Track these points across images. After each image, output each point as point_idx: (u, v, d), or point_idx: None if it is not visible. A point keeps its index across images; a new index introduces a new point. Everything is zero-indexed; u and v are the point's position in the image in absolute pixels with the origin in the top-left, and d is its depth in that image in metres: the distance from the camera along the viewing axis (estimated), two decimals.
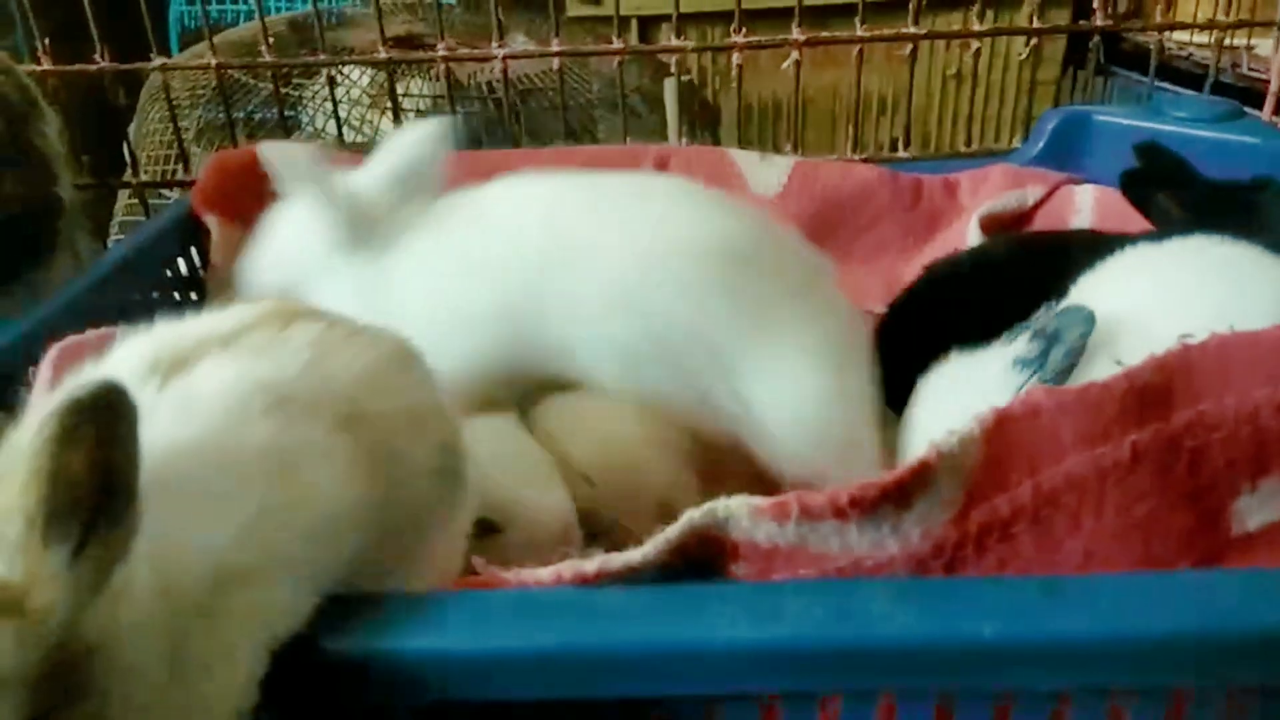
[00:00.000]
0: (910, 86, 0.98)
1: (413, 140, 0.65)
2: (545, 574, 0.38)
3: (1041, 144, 0.95)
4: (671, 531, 0.38)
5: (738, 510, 0.37)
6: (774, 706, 0.38)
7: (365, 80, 1.23)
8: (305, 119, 1.20)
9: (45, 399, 0.50)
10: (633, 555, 0.38)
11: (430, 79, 1.23)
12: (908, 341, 0.72)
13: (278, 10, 1.57)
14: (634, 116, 1.32)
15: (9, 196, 0.73)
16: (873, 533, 0.38)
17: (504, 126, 1.22)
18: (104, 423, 0.29)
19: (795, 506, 0.37)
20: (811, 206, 0.89)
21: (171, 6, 1.69)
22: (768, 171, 0.90)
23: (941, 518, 0.38)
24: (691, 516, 0.38)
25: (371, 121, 1.21)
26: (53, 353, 0.53)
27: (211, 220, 0.81)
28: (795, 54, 0.93)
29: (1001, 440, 0.39)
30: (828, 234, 0.90)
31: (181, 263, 0.81)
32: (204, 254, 0.82)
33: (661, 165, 0.90)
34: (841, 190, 0.89)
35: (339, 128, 1.01)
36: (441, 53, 0.95)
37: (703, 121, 1.44)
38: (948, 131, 1.81)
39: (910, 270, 0.89)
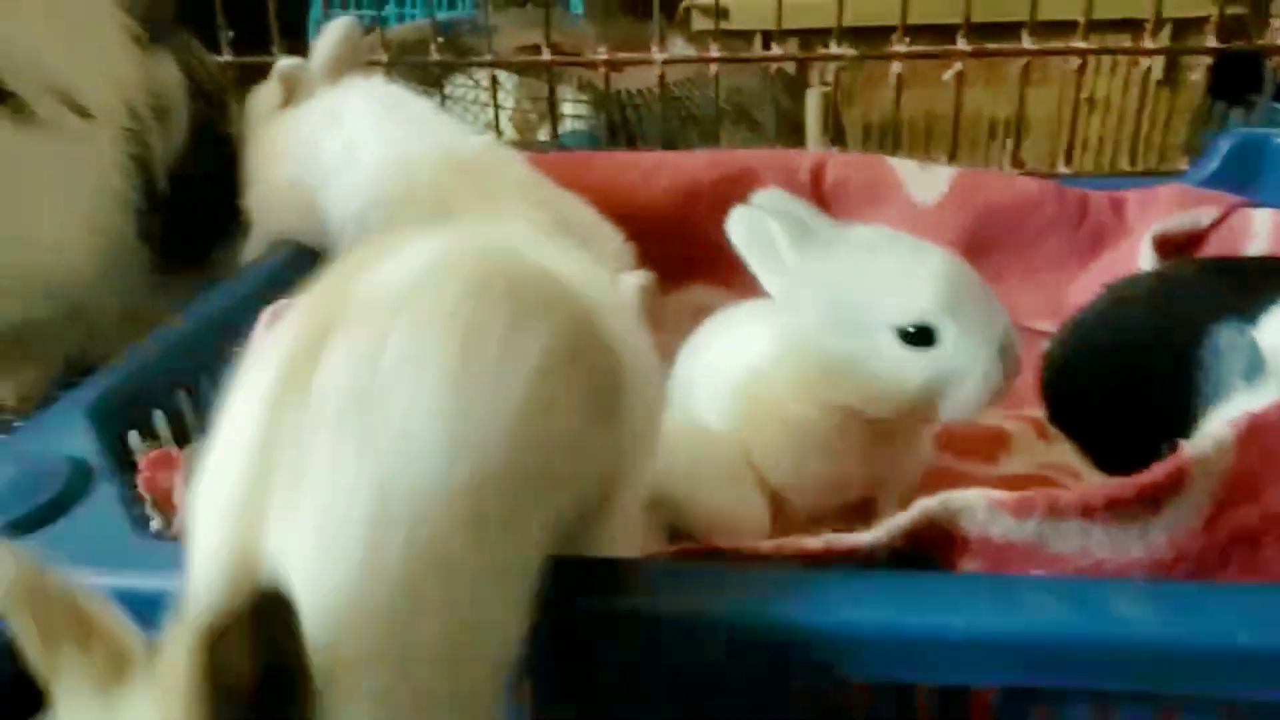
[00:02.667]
0: (1076, 99, 0.96)
1: (330, 36, 0.84)
2: (766, 547, 0.38)
3: (1215, 165, 0.92)
4: (904, 518, 0.37)
5: (974, 502, 0.37)
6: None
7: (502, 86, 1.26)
8: None
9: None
10: (861, 537, 0.37)
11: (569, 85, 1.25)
12: (1090, 361, 0.70)
13: (399, 20, 1.62)
14: (757, 129, 1.32)
15: (211, 174, 0.77)
16: (1119, 536, 0.37)
17: (626, 135, 1.24)
18: (266, 631, 0.25)
19: (1042, 503, 0.36)
20: (972, 217, 0.87)
21: (312, 12, 1.76)
22: (928, 180, 0.88)
23: (1189, 525, 0.37)
24: (926, 505, 0.37)
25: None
26: (267, 316, 0.56)
27: None
28: (958, 65, 0.92)
29: (1255, 446, 0.37)
30: (988, 247, 0.88)
31: None
32: None
33: (818, 171, 0.90)
34: (1004, 202, 0.87)
35: (496, 126, 1.03)
36: (602, 57, 0.97)
37: (830, 137, 1.44)
38: (1077, 156, 1.77)
39: (1075, 290, 0.86)
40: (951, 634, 0.35)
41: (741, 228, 0.57)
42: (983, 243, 0.88)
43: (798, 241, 0.56)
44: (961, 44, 0.91)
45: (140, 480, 0.47)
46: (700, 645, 0.37)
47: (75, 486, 0.47)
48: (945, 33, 0.99)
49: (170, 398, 0.59)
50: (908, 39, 0.92)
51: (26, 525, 0.44)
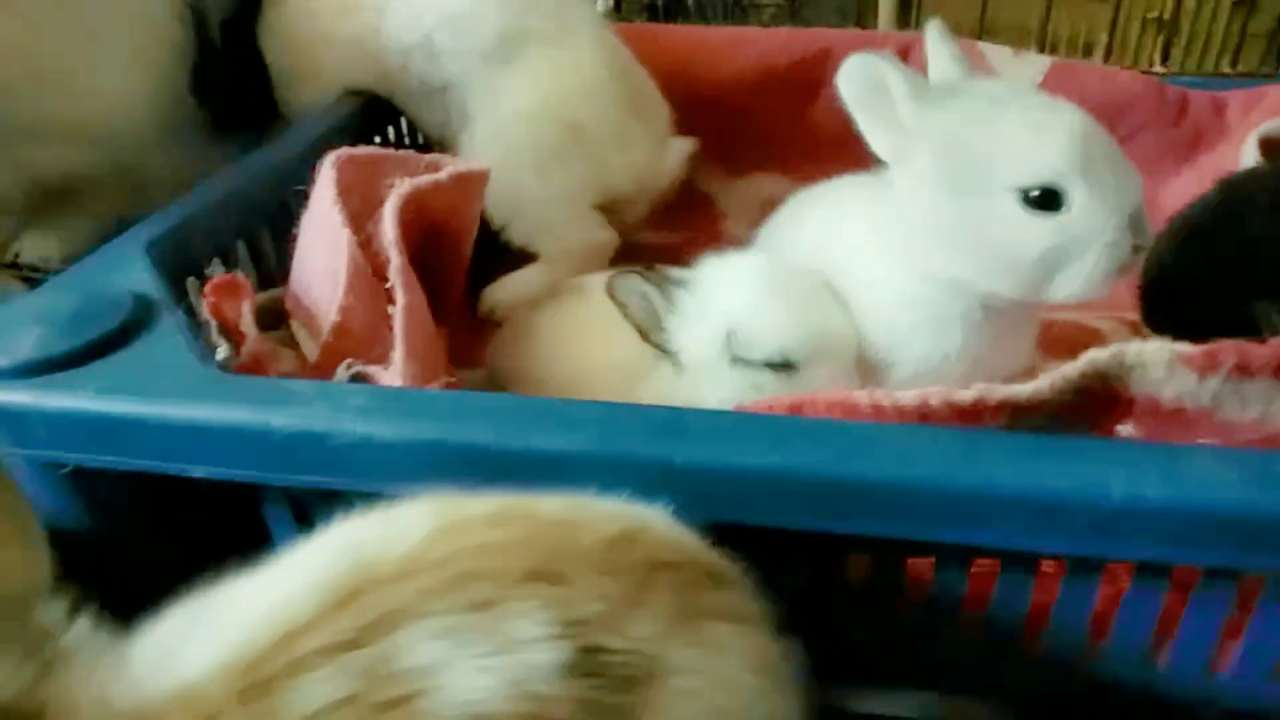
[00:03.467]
0: None
1: None
2: (909, 398, 0.34)
3: None
4: (1071, 369, 0.34)
5: (1153, 358, 0.33)
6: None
7: None
8: None
9: (330, 202, 0.49)
10: (1019, 389, 0.34)
11: None
12: (1201, 258, 0.65)
13: None
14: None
15: None
16: None
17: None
18: None
19: (1231, 357, 0.32)
20: None
21: None
22: (1021, 68, 0.82)
23: None
24: (1095, 357, 0.33)
25: None
26: (333, 160, 0.52)
27: None
28: None
29: None
30: None
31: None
32: None
33: (904, 53, 0.84)
34: (1101, 96, 0.81)
35: None
36: None
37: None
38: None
39: (1170, 192, 0.81)
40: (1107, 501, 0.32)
41: (854, 78, 0.52)
42: None
43: (916, 94, 0.51)
44: None
45: (205, 305, 0.44)
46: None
47: (138, 317, 0.43)
48: None
49: (228, 246, 0.56)
50: None
51: (90, 353, 0.41)
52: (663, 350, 0.52)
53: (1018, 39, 1.49)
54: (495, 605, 0.26)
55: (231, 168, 0.60)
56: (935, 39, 0.57)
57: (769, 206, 0.73)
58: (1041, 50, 1.03)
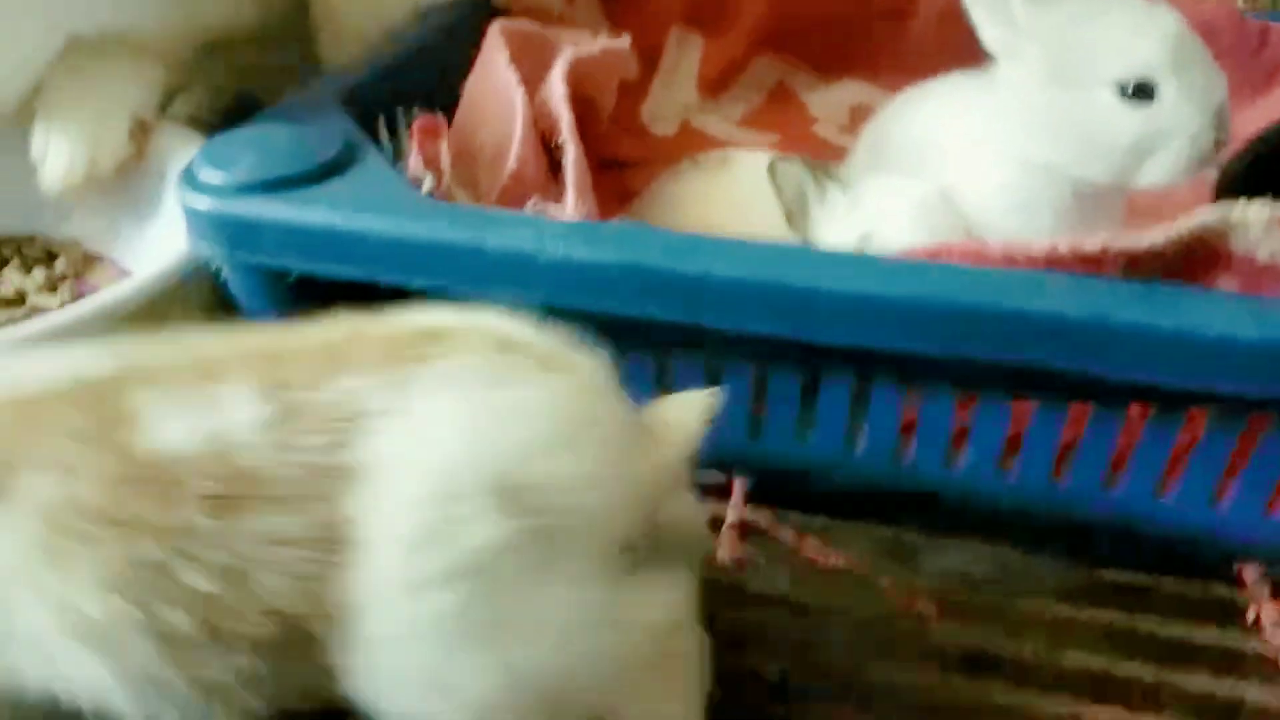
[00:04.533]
0: None
1: None
2: (1038, 248, 0.40)
3: None
4: (1183, 226, 0.39)
5: (1254, 219, 0.39)
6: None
7: None
8: None
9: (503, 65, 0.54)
10: (1138, 239, 0.40)
11: None
12: (1275, 173, 0.70)
13: None
14: None
15: None
16: None
17: None
18: None
19: None
20: None
21: None
22: None
23: None
24: (1205, 216, 0.39)
25: None
26: (500, 28, 0.57)
27: None
28: None
29: None
30: None
31: None
32: None
33: None
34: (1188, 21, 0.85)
35: None
36: None
37: None
38: None
39: (1243, 120, 0.84)
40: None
41: None
42: None
43: None
44: None
45: (415, 140, 0.50)
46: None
47: (347, 151, 0.49)
48: None
49: (404, 99, 0.61)
50: None
51: (312, 177, 0.47)
52: (802, 236, 0.58)
53: None
54: (215, 378, 0.33)
55: (406, 25, 0.65)
56: None
57: (859, 113, 0.77)
58: None
